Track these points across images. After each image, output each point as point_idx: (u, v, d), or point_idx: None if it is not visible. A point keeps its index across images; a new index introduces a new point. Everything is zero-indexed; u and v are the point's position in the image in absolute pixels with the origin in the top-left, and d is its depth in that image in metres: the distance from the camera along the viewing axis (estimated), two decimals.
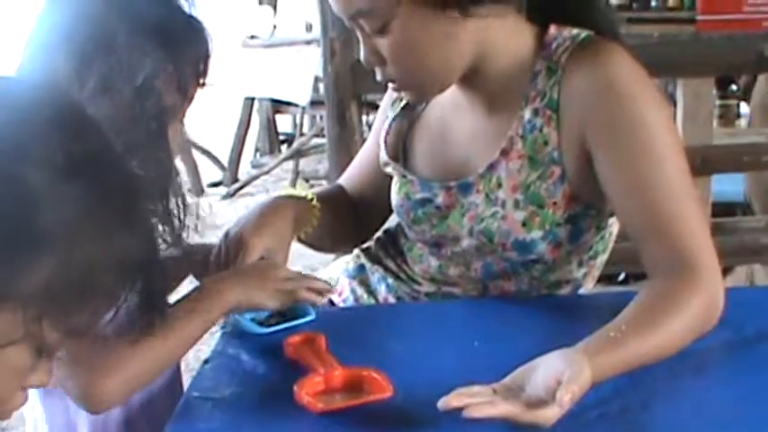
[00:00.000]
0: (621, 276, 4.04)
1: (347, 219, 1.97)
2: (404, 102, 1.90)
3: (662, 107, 1.66)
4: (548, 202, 1.70)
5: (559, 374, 1.29)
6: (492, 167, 1.72)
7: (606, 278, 3.49)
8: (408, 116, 1.90)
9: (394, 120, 1.91)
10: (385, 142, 1.90)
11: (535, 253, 1.73)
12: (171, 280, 1.51)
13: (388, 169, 1.89)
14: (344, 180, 2.06)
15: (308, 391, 1.38)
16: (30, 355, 1.01)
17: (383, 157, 1.90)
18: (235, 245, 1.70)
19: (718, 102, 4.33)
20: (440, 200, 1.79)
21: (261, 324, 1.64)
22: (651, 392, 1.40)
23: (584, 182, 1.67)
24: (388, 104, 1.96)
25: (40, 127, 0.97)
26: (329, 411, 1.35)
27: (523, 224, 1.71)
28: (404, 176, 1.85)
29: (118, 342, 1.37)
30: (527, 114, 1.70)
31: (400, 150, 1.90)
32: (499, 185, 1.71)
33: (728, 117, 4.43)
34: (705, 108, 3.10)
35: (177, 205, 1.41)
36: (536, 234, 1.71)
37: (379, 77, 1.70)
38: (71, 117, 1.01)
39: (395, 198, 1.87)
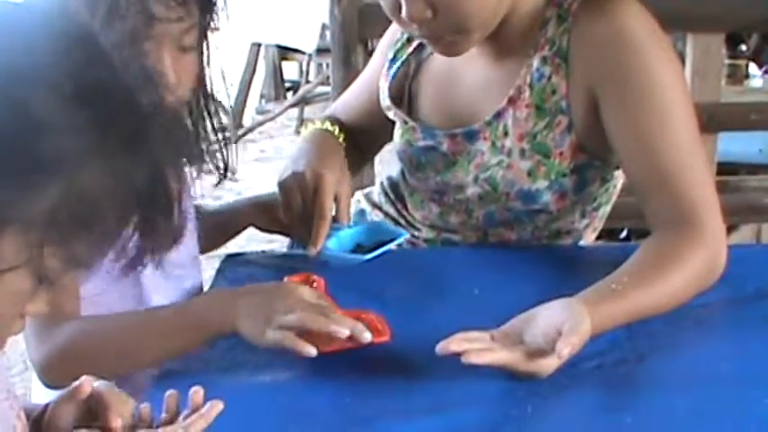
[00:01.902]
0: (624, 233, 4.03)
1: (351, 150, 1.92)
2: (411, 47, 1.87)
3: (672, 59, 1.64)
4: (554, 152, 1.69)
5: (559, 325, 1.28)
6: (499, 115, 1.71)
7: (608, 234, 3.48)
8: (413, 62, 1.88)
9: (398, 64, 1.88)
10: (388, 86, 1.88)
11: (539, 203, 1.72)
12: (180, 223, 1.44)
13: (390, 114, 1.87)
14: (339, 111, 2.02)
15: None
16: (30, 282, 1.00)
17: (385, 101, 1.88)
18: (309, 183, 1.66)
19: (726, 61, 4.31)
20: (444, 147, 1.77)
21: (353, 252, 1.64)
22: (648, 345, 1.40)
23: (590, 132, 1.66)
24: (388, 48, 1.92)
25: (50, 54, 0.96)
26: (326, 353, 1.35)
27: (529, 174, 1.70)
28: (405, 123, 1.83)
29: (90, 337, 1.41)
30: (536, 63, 1.68)
31: (405, 95, 1.88)
32: (505, 134, 1.70)
33: (737, 77, 4.40)
34: (714, 65, 3.08)
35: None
36: (541, 184, 1.70)
37: (417, 33, 1.65)
38: (82, 46, 1.00)
39: (397, 143, 1.86)
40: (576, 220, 1.80)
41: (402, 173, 1.92)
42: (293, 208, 1.67)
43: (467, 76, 1.74)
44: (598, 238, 1.95)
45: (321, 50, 6.82)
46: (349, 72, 2.11)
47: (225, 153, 1.61)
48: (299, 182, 1.67)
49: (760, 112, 3.15)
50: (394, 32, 1.91)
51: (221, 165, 1.61)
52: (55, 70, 0.96)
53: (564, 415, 1.25)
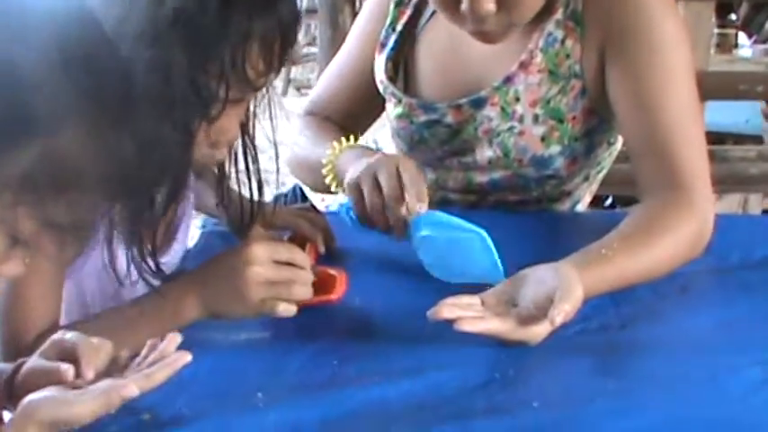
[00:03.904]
0: (609, 201, 4.04)
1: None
2: (404, 17, 1.83)
3: (679, 23, 1.64)
4: (567, 117, 1.69)
5: (551, 291, 1.28)
6: (509, 80, 1.70)
7: (593, 201, 3.49)
8: (408, 36, 1.85)
9: (395, 37, 1.84)
10: (385, 60, 1.84)
11: (552, 168, 1.73)
12: (171, 200, 1.38)
13: (386, 91, 1.84)
14: (324, 98, 1.95)
15: None
16: (3, 242, 1.00)
17: (380, 76, 1.84)
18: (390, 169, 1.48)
19: (716, 30, 4.30)
20: (449, 119, 1.76)
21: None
22: (631, 312, 1.41)
23: (602, 95, 1.66)
24: (378, 19, 1.87)
25: (42, 18, 0.97)
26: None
27: (542, 139, 1.70)
28: (400, 101, 1.81)
29: None
30: (549, 27, 1.68)
31: (400, 70, 1.85)
32: (517, 99, 1.70)
33: (726, 46, 4.40)
34: (705, 32, 3.07)
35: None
36: (555, 149, 1.70)
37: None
38: (79, 18, 1.01)
39: (393, 122, 1.84)
40: (579, 183, 1.81)
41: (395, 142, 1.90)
42: (374, 199, 1.48)
43: (471, 44, 1.70)
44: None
45: (308, 11, 6.76)
46: (336, 32, 2.09)
47: (259, 191, 1.50)
48: (388, 177, 1.48)
49: (748, 82, 3.15)
50: (381, 2, 1.87)
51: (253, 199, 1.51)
52: (46, 34, 0.96)
53: (546, 379, 1.25)
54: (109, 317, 1.37)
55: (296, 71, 7.34)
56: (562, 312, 1.25)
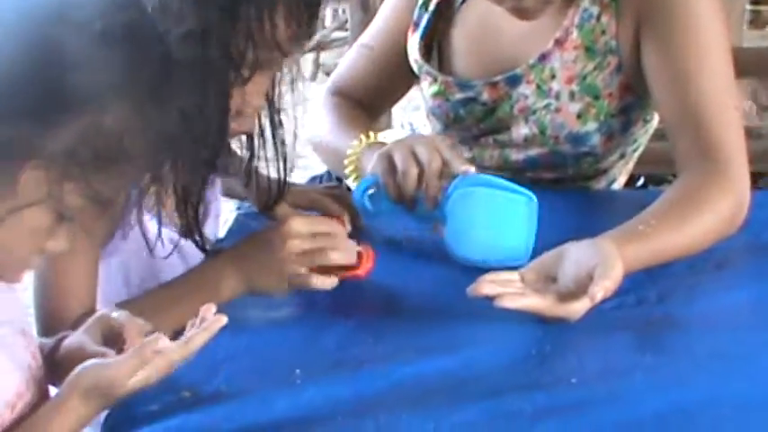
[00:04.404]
0: (641, 181, 4.02)
1: None
2: (435, 1, 1.83)
3: (715, 1, 1.63)
4: (603, 93, 1.69)
5: (591, 267, 1.28)
6: (544, 58, 1.71)
7: (626, 181, 3.47)
8: (443, 15, 1.85)
9: (428, 16, 1.84)
10: (419, 40, 1.84)
11: (588, 145, 1.73)
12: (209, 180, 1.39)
13: (421, 71, 1.84)
14: (354, 78, 1.93)
15: None
16: (50, 218, 1.02)
17: (414, 55, 1.84)
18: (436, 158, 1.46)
19: (749, 7, 4.27)
20: (485, 96, 1.76)
21: None
22: (668, 288, 1.40)
23: (639, 71, 1.65)
24: (408, 1, 1.87)
25: None
26: None
27: (578, 116, 1.70)
28: (436, 79, 1.81)
29: None
30: (585, 3, 1.67)
31: (434, 49, 1.86)
32: (552, 77, 1.70)
33: (759, 22, 4.37)
34: (738, 8, 3.05)
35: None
36: (591, 126, 1.71)
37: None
38: None
39: (429, 101, 1.84)
40: (615, 161, 1.81)
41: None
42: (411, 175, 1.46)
43: (507, 22, 1.70)
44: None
45: None
46: (367, 15, 2.09)
47: (284, 170, 1.51)
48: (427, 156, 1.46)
49: None
50: None
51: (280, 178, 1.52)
52: (86, 11, 0.98)
53: (584, 354, 1.25)
54: (150, 296, 1.38)
55: (325, 56, 7.34)
56: (603, 289, 1.25)
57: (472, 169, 1.44)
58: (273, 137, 1.47)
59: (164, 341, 1.05)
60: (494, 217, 1.41)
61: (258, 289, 1.36)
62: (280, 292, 1.36)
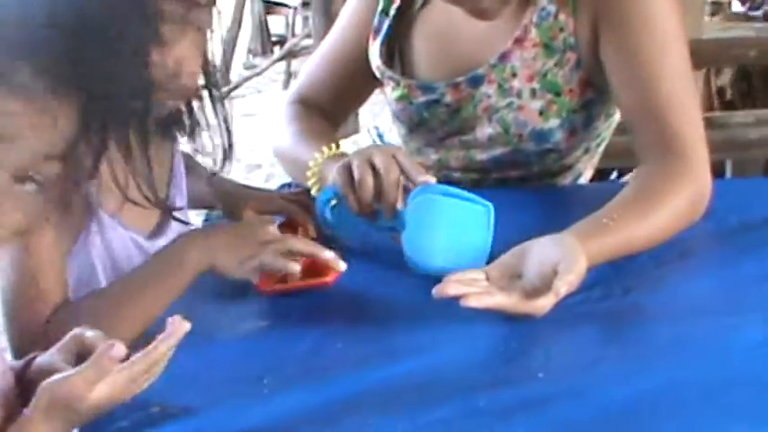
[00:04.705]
0: (614, 174, 4.04)
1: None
2: (395, 6, 1.83)
3: None
4: (564, 89, 1.71)
5: (555, 262, 1.29)
6: (505, 57, 1.72)
7: (599, 175, 3.49)
8: (404, 20, 1.85)
9: (389, 21, 1.85)
10: (380, 45, 1.85)
11: (551, 142, 1.74)
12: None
13: (383, 76, 1.85)
14: (315, 85, 1.94)
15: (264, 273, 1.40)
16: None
17: (375, 61, 1.85)
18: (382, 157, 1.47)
19: None
20: (448, 98, 1.77)
21: None
22: (633, 279, 1.41)
23: (598, 67, 1.67)
24: (367, 8, 1.88)
25: None
26: (273, 292, 1.40)
27: (540, 113, 1.71)
28: (398, 83, 1.82)
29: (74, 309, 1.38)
30: (542, 1, 1.69)
31: (396, 53, 1.86)
32: (513, 75, 1.71)
33: (720, 13, 4.40)
34: (696, 1, 3.08)
35: None
36: (553, 123, 1.72)
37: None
38: None
39: (393, 105, 1.85)
40: (579, 156, 1.82)
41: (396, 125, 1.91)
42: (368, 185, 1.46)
43: (467, 23, 1.71)
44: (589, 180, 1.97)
45: (306, 3, 6.79)
46: (329, 22, 2.10)
47: (227, 131, 1.58)
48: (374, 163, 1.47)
49: (741, 47, 3.16)
50: None
51: (224, 142, 1.59)
52: None
53: (550, 349, 1.26)
54: (118, 283, 1.42)
55: (296, 64, 7.35)
56: (566, 284, 1.26)
57: (431, 179, 1.44)
58: (212, 101, 1.54)
59: (119, 347, 1.04)
60: (452, 226, 1.42)
61: (221, 266, 1.38)
62: (242, 272, 1.37)
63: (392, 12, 1.84)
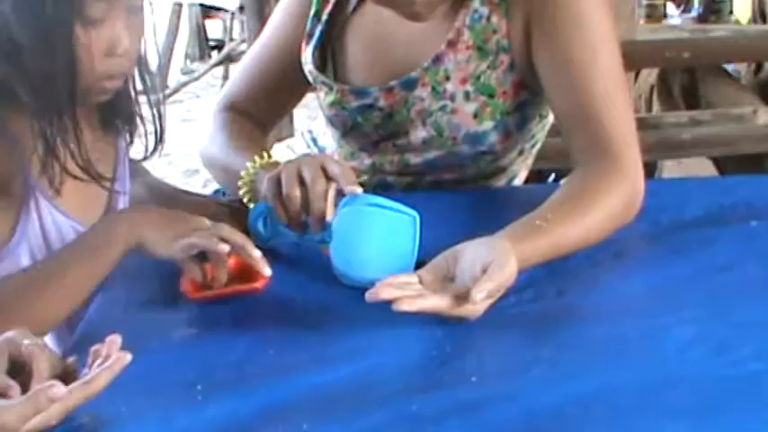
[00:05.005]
0: (552, 177, 4.07)
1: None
2: (329, 5, 1.82)
3: None
4: (498, 91, 1.70)
5: (486, 265, 1.29)
6: (438, 60, 1.71)
7: (537, 176, 3.51)
8: (336, 24, 1.84)
9: (322, 26, 1.83)
10: (313, 49, 1.83)
11: (486, 144, 1.74)
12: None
13: (316, 81, 1.84)
14: (245, 92, 1.91)
15: (190, 278, 1.40)
16: None
17: (309, 67, 1.84)
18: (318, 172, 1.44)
19: (645, 2, 4.35)
20: (381, 103, 1.77)
21: None
22: (567, 281, 1.42)
23: (531, 69, 1.67)
24: (299, 12, 1.86)
25: None
26: (202, 299, 1.39)
27: (474, 116, 1.71)
28: (331, 88, 1.81)
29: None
30: (475, 4, 1.68)
31: (328, 58, 1.85)
32: (447, 78, 1.71)
33: (655, 16, 4.43)
34: (628, 3, 3.11)
35: None
36: (487, 125, 1.71)
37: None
38: None
39: (326, 110, 1.84)
40: (513, 158, 1.83)
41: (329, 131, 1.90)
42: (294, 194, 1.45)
43: (400, 26, 1.71)
44: (527, 181, 1.98)
45: (244, 7, 6.76)
46: (263, 25, 2.08)
47: (159, 121, 1.61)
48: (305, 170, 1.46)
49: (674, 49, 3.19)
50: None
51: (155, 132, 1.61)
52: None
53: (483, 352, 1.26)
54: (46, 259, 1.43)
55: (234, 68, 7.31)
56: (484, 290, 1.25)
57: (358, 189, 1.42)
58: (143, 81, 1.57)
59: (59, 388, 1.03)
60: (379, 237, 1.41)
61: (150, 243, 1.39)
62: (171, 250, 1.38)
63: (324, 16, 1.83)
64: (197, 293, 1.40)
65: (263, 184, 1.51)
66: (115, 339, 1.12)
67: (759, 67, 3.91)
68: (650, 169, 1.61)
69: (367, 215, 1.41)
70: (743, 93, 3.69)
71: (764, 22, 4.08)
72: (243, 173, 1.58)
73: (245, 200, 1.59)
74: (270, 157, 1.61)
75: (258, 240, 1.48)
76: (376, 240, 1.41)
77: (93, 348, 1.14)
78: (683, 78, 3.62)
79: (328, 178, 1.43)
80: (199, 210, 1.58)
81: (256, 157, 1.58)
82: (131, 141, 1.63)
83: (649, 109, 3.59)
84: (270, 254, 1.42)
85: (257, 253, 1.38)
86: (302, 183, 1.44)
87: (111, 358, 1.09)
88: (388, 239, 1.40)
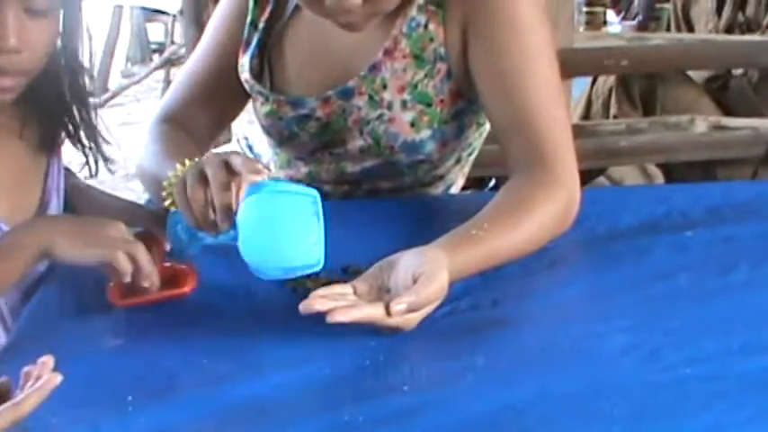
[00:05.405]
0: (492, 183, 4.08)
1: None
2: (265, 14, 1.80)
3: (540, 5, 1.66)
4: (435, 100, 1.70)
5: (418, 276, 1.28)
6: (375, 68, 1.70)
7: (477, 183, 3.52)
8: (273, 32, 1.82)
9: (258, 35, 1.81)
10: (250, 59, 1.81)
11: (423, 153, 1.73)
12: None
13: (253, 90, 1.82)
14: (181, 103, 1.87)
15: (116, 285, 1.39)
16: None
17: (245, 76, 1.81)
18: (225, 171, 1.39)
19: (585, 9, 4.39)
20: (319, 113, 1.75)
21: None
22: (502, 289, 1.42)
23: (468, 77, 1.67)
24: (236, 16, 1.83)
25: None
26: (131, 305, 1.38)
27: (412, 125, 1.70)
28: (267, 98, 1.79)
29: None
30: (411, 12, 1.68)
31: (265, 67, 1.83)
32: (384, 87, 1.70)
33: (595, 24, 4.48)
34: (566, 10, 3.12)
35: None
36: (425, 134, 1.71)
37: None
38: None
39: (262, 120, 1.82)
40: (451, 166, 1.82)
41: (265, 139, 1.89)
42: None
43: (336, 35, 1.68)
44: (467, 187, 1.98)
45: (181, 12, 6.74)
46: (200, 30, 2.08)
47: (94, 130, 1.61)
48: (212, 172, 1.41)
49: (613, 57, 3.22)
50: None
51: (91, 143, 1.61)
52: None
53: (416, 362, 1.26)
54: None
55: (175, 72, 7.27)
56: (404, 303, 1.25)
57: (258, 177, 1.36)
58: (72, 87, 1.56)
59: None
60: (281, 222, 1.34)
61: (60, 250, 1.35)
62: (86, 256, 1.36)
63: (261, 24, 1.81)
64: (122, 301, 1.38)
65: None
66: (47, 361, 1.10)
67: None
68: (589, 177, 1.61)
69: (264, 202, 1.34)
70: (701, 98, 3.73)
71: (689, 29, 4.12)
72: (165, 182, 1.52)
73: (170, 208, 1.53)
74: (194, 163, 1.51)
75: (178, 247, 1.46)
76: (278, 227, 1.34)
77: (24, 370, 1.12)
78: (642, 82, 3.66)
79: (234, 173, 1.38)
80: (124, 215, 1.57)
81: (178, 165, 1.50)
82: (60, 144, 1.62)
83: (607, 112, 3.62)
84: (199, 259, 1.41)
85: (153, 283, 1.37)
86: (207, 182, 1.39)
87: (41, 379, 1.07)
88: (290, 224, 1.34)
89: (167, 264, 1.44)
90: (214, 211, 1.37)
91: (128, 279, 1.35)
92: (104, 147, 1.66)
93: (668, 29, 4.31)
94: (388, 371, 1.22)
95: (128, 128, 6.23)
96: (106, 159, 1.64)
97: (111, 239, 1.37)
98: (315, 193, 1.35)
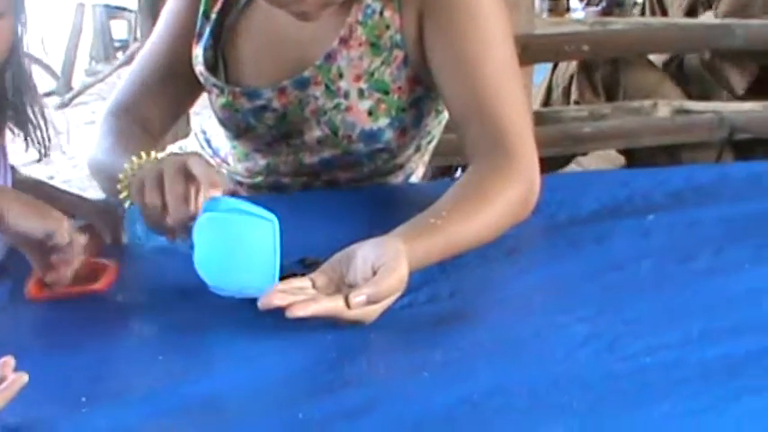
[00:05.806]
0: (458, 172, 4.08)
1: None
2: (218, 4, 1.78)
3: None
4: (392, 88, 1.69)
5: (377, 267, 1.27)
6: (330, 57, 1.69)
7: (442, 172, 3.52)
8: (226, 22, 1.80)
9: (211, 25, 1.78)
10: (203, 50, 1.79)
11: (382, 141, 1.72)
12: None
13: (207, 83, 1.79)
14: (133, 97, 1.85)
15: (35, 280, 1.38)
16: None
17: (200, 68, 1.79)
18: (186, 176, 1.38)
19: None
20: (275, 104, 1.73)
21: None
22: (461, 280, 1.40)
23: (424, 63, 1.66)
24: (188, 11, 1.81)
25: None
26: (44, 299, 1.37)
27: (369, 113, 1.69)
28: (222, 90, 1.77)
29: None
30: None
31: (219, 59, 1.81)
32: (340, 76, 1.69)
33: (558, 10, 4.49)
34: None
35: None
36: (383, 122, 1.70)
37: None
38: None
39: (218, 112, 1.80)
40: (410, 155, 1.81)
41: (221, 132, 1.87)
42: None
43: (290, 24, 1.67)
44: (433, 177, 1.97)
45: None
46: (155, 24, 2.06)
47: (44, 127, 1.58)
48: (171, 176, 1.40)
49: (573, 42, 3.21)
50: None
51: (41, 139, 1.59)
52: None
53: (372, 356, 1.24)
54: None
55: None
56: (363, 295, 1.24)
57: (217, 192, 1.35)
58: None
59: None
60: (237, 243, 1.33)
61: (17, 218, 1.33)
62: (29, 224, 1.33)
63: (213, 15, 1.79)
64: (38, 294, 1.38)
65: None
66: (8, 361, 1.09)
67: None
68: (553, 164, 1.60)
69: (222, 222, 1.32)
70: (664, 82, 3.73)
71: (663, 13, 4.13)
72: (121, 175, 1.50)
73: (125, 203, 1.52)
74: (149, 156, 1.50)
75: (135, 241, 1.45)
76: (234, 248, 1.33)
77: None
78: (604, 68, 3.66)
79: (192, 176, 1.37)
80: (71, 208, 1.54)
81: (134, 158, 1.49)
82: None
83: (567, 99, 3.62)
84: (152, 253, 1.41)
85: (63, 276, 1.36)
86: (162, 188, 1.37)
87: (7, 380, 1.07)
88: (247, 246, 1.32)
89: (93, 259, 1.42)
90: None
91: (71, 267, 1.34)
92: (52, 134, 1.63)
93: (643, 13, 4.32)
94: (345, 366, 1.20)
95: (93, 126, 6.21)
96: (50, 141, 1.61)
97: (59, 215, 1.35)
98: (273, 217, 1.32)
